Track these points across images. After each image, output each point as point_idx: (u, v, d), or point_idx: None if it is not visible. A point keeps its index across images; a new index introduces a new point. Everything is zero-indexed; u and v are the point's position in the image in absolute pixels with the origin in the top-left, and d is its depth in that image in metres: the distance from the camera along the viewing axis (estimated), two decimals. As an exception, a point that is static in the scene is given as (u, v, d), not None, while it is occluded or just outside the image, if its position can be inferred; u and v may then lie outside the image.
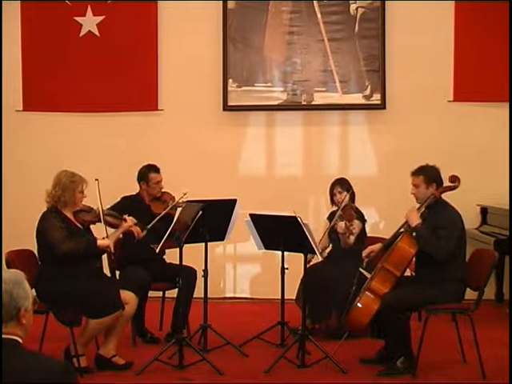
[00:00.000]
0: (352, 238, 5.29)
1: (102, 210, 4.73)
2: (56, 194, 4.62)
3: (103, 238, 4.63)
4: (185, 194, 5.07)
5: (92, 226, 4.86)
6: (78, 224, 4.70)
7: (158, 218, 5.01)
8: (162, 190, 5.41)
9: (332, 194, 5.58)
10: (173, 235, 4.68)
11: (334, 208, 5.58)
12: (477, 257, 4.71)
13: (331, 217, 5.60)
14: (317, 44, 6.90)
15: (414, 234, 4.53)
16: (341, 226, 5.28)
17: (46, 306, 4.48)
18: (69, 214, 4.67)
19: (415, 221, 4.57)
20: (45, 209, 4.68)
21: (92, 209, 4.77)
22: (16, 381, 2.06)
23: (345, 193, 5.48)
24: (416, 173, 4.72)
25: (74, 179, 4.64)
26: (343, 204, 5.33)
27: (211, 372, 4.57)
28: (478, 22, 6.69)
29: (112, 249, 4.64)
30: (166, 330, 5.42)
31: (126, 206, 5.17)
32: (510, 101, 6.57)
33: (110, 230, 4.78)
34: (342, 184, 5.56)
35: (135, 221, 4.87)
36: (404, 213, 4.68)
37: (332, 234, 5.53)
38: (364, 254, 4.86)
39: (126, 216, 4.83)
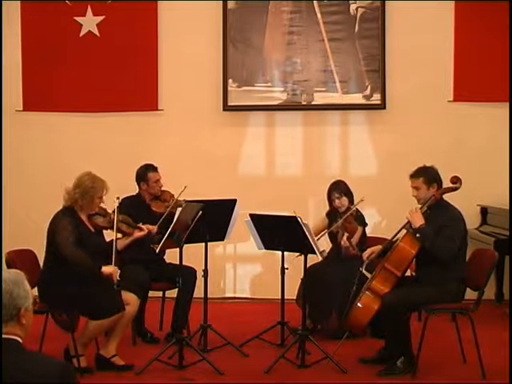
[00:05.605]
0: (353, 251, 5.28)
1: (117, 218, 4.67)
2: (74, 197, 4.59)
3: (108, 265, 4.53)
4: (185, 187, 5.05)
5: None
6: (90, 227, 4.68)
7: (163, 217, 5.01)
8: (162, 189, 5.41)
9: (330, 200, 5.56)
10: (173, 235, 4.68)
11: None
12: (477, 257, 4.70)
13: (330, 215, 5.60)
14: (317, 44, 6.90)
15: (418, 235, 4.51)
16: (344, 240, 5.28)
17: (46, 307, 4.47)
18: (83, 217, 4.64)
19: (418, 221, 4.53)
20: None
21: (107, 213, 4.73)
22: (16, 381, 2.06)
23: (344, 197, 5.47)
24: (415, 175, 4.68)
25: (96, 185, 4.60)
26: (346, 215, 5.32)
27: (211, 372, 4.57)
28: (478, 21, 6.69)
29: (115, 279, 4.48)
30: (166, 329, 5.42)
31: (126, 207, 5.15)
32: (510, 101, 6.57)
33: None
34: (337, 188, 5.52)
35: (151, 227, 4.86)
36: (405, 212, 4.65)
37: (332, 235, 5.52)
38: (364, 256, 4.82)
39: (141, 225, 4.82)
